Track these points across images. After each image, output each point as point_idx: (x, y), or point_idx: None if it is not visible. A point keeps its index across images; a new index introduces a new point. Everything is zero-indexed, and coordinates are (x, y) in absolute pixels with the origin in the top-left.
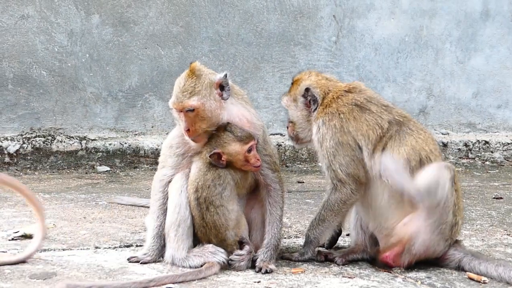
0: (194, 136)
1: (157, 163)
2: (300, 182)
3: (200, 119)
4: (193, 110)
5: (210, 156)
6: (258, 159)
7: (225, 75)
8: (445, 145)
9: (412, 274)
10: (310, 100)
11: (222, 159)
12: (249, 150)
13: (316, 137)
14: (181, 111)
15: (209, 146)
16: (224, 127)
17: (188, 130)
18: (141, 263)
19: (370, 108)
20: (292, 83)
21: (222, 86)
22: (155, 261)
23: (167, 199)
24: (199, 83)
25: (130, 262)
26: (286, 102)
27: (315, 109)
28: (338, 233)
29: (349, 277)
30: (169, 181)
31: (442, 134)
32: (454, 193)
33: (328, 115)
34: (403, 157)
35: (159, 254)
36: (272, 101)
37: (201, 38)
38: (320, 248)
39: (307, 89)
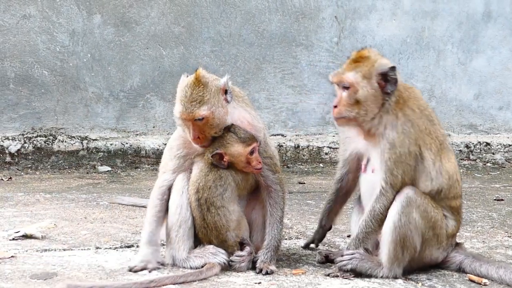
0: (203, 144)
1: (158, 163)
2: (301, 183)
3: (209, 127)
4: (202, 119)
5: (212, 156)
6: (259, 162)
7: (227, 79)
8: None
9: (413, 276)
10: (389, 81)
11: (224, 159)
12: (251, 152)
13: (389, 137)
14: (189, 121)
15: (212, 146)
16: (228, 128)
17: (198, 138)
18: (149, 271)
19: (434, 120)
20: (356, 60)
21: (225, 90)
22: (158, 268)
23: (164, 206)
24: (207, 91)
25: (134, 272)
26: (354, 78)
27: (391, 91)
28: (329, 229)
29: (350, 279)
30: (169, 188)
31: None
32: (419, 215)
33: (407, 121)
34: (449, 173)
35: (156, 258)
36: (274, 101)
37: (203, 38)
38: (321, 249)
39: (393, 68)
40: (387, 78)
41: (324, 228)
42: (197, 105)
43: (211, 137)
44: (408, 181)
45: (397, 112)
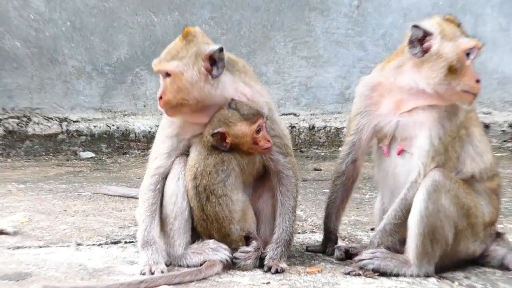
0: (166, 107)
1: (149, 148)
2: (317, 170)
3: (176, 88)
4: (169, 76)
5: (212, 136)
6: (268, 140)
7: (220, 49)
8: (487, 126)
9: (448, 274)
10: None
11: (226, 140)
12: (258, 131)
13: (461, 116)
14: (160, 74)
15: (211, 125)
16: (228, 104)
17: (160, 98)
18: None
19: None
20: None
21: (214, 61)
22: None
23: (157, 197)
24: (185, 48)
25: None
26: None
27: None
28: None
29: (374, 278)
30: (163, 175)
31: (484, 113)
32: (450, 201)
33: None
34: (488, 147)
35: (161, 257)
36: (284, 75)
37: (201, 2)
38: (340, 243)
39: None
40: None
41: (334, 232)
42: (168, 57)
43: (180, 105)
44: (446, 167)
45: None
